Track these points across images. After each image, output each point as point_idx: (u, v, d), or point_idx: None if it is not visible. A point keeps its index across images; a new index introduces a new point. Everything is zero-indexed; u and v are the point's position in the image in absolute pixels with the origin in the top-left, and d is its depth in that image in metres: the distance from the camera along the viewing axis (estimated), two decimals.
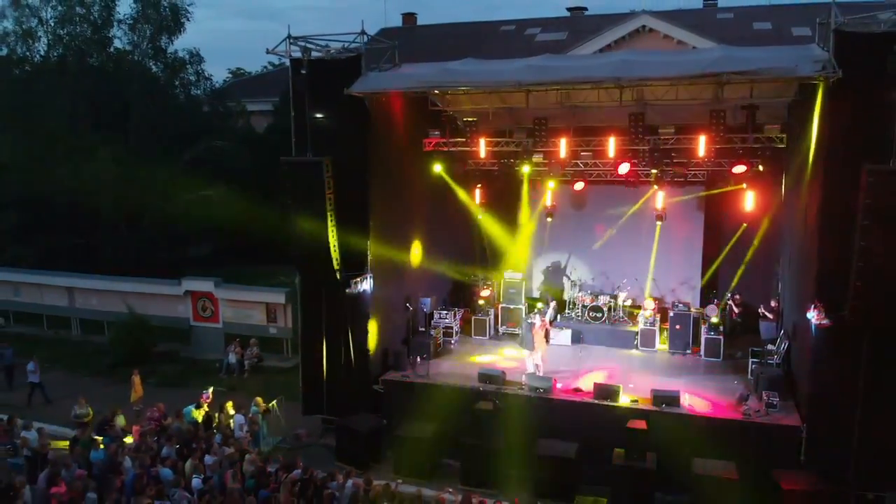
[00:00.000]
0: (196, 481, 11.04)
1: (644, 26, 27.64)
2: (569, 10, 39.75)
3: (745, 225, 15.66)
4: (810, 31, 29.79)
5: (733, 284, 16.29)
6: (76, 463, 11.90)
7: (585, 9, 39.41)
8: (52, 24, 27.91)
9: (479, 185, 17.32)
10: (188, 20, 27.63)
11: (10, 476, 11.68)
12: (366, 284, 13.78)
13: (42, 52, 28.14)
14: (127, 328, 19.24)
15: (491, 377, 13.60)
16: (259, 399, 14.00)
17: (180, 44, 29.01)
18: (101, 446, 12.30)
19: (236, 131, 30.59)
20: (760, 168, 13.26)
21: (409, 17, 41.16)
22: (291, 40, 12.91)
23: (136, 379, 15.48)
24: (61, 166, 25.12)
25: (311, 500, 10.40)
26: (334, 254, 13.22)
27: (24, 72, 26.88)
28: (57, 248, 25.27)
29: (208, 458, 11.62)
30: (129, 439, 12.86)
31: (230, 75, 48.06)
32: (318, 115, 12.93)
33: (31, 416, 14.57)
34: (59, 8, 27.53)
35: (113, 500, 10.66)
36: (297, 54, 12.89)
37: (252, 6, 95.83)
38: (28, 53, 27.87)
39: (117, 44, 28.09)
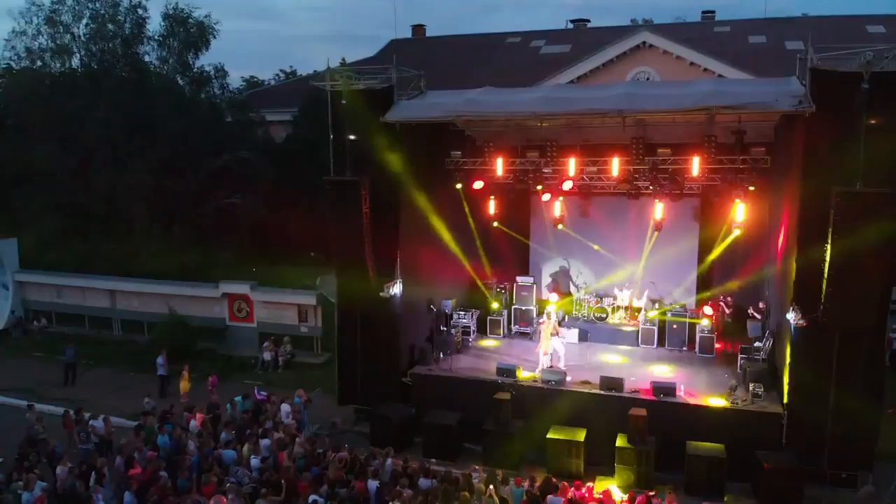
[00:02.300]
0: (255, 461, 12.68)
1: (644, 42, 29.19)
2: (572, 21, 41.37)
3: (735, 233, 17.01)
4: (802, 45, 31.51)
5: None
6: (146, 447, 13.56)
7: (588, 20, 41.06)
8: (84, 40, 29.57)
9: (493, 196, 18.80)
10: (214, 37, 29.29)
11: (90, 459, 13.33)
12: (396, 289, 15.44)
13: (76, 67, 29.74)
14: (168, 328, 20.86)
15: (508, 371, 15.23)
16: (301, 391, 15.65)
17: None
18: (166, 433, 13.95)
19: (257, 141, 32.19)
20: (752, 188, 14.82)
21: (418, 29, 42.75)
22: (331, 72, 14.54)
23: (185, 374, 17.12)
24: (98, 176, 26.85)
25: (357, 476, 12.03)
26: (369, 262, 14.84)
27: (62, 86, 28.40)
28: (93, 253, 26.88)
29: (263, 442, 13.27)
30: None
31: (244, 82, 49.61)
32: (356, 139, 14.54)
33: (93, 408, 16.18)
34: (92, 25, 29.18)
35: (185, 478, 12.30)
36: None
37: (253, 6, 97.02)
38: (62, 68, 29.44)
39: (147, 59, 29.74)
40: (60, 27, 29.01)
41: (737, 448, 13.11)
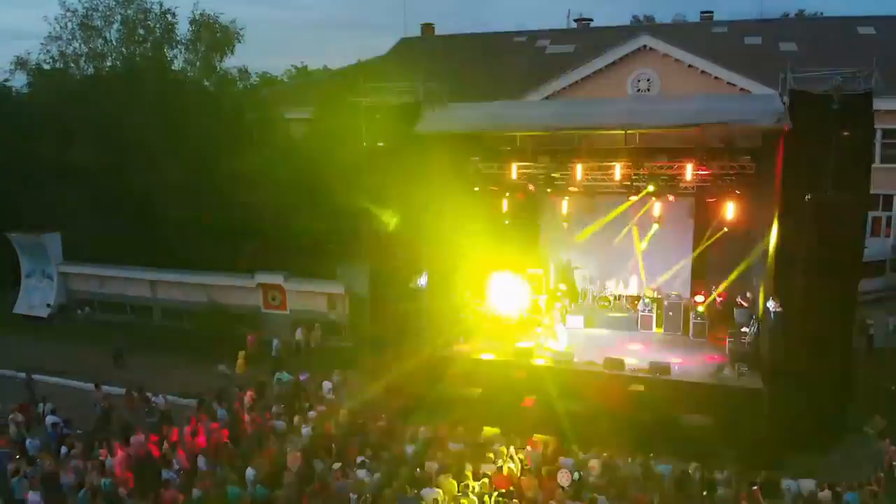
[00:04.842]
0: (305, 430, 14.64)
1: (645, 45, 30.84)
2: (576, 21, 42.94)
3: (725, 229, 18.63)
4: (796, 46, 33.27)
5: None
6: (208, 419, 15.52)
7: (591, 20, 42.63)
8: (116, 44, 31.22)
9: (507, 195, 20.56)
10: (239, 41, 30.93)
11: (158, 429, 15.28)
12: (422, 280, 17.36)
13: (108, 68, 31.32)
14: (208, 315, 22.80)
15: (523, 352, 17.16)
16: (339, 370, 17.60)
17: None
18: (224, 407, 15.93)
19: (278, 139, 33.83)
20: (737, 192, 16.71)
21: (427, 28, 44.29)
22: (367, 88, 16.35)
23: (242, 353, 19.55)
24: (134, 173, 28.60)
25: (396, 440, 14.00)
26: (400, 256, 16.72)
27: (96, 88, 30.02)
28: (128, 245, 28.58)
29: (311, 413, 15.25)
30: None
31: (258, 78, 51.10)
32: (388, 149, 16.34)
33: (146, 388, 18.04)
34: (123, 30, 30.81)
35: (247, 444, 14.27)
36: None
37: None
38: (96, 71, 31.03)
39: (175, 62, 31.39)
40: (93, 32, 30.58)
41: (724, 419, 14.94)
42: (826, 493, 12.06)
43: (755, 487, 11.95)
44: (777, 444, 14.39)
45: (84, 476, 13.30)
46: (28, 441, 15.09)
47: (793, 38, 34.42)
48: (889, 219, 29.67)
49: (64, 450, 14.49)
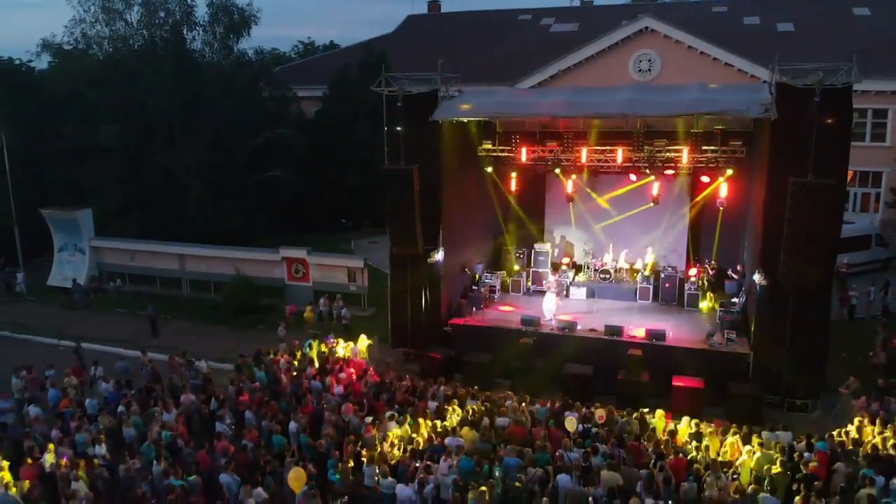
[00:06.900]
0: (338, 388, 16.32)
1: (647, 27, 31.97)
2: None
3: (721, 208, 20.17)
4: (793, 27, 34.30)
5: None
6: (248, 380, 17.18)
7: None
8: (136, 26, 32.29)
9: (514, 175, 21.94)
10: (255, 24, 32.05)
11: (205, 389, 16.95)
12: (439, 255, 18.91)
13: (129, 52, 32.40)
14: (237, 287, 24.40)
15: (530, 321, 18.79)
16: (364, 336, 19.26)
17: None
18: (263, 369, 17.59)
19: (291, 118, 35.13)
20: (730, 172, 18.18)
21: (433, 5, 45.21)
22: (388, 77, 17.71)
23: (309, 308, 22.36)
24: (158, 153, 29.97)
25: (419, 398, 15.70)
26: (418, 234, 18.23)
27: (119, 70, 31.17)
28: (151, 221, 30.07)
29: (342, 375, 16.93)
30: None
31: (266, 55, 51.99)
32: (407, 134, 17.76)
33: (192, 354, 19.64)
34: (143, 12, 31.86)
35: (286, 401, 15.95)
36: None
37: None
38: (119, 54, 32.12)
39: (194, 44, 32.52)
40: (115, 14, 31.62)
41: (713, 380, 16.43)
42: (801, 445, 13.52)
43: (736, 435, 13.61)
44: (761, 403, 15.97)
45: (144, 430, 15.01)
46: (87, 401, 16.76)
47: (790, 19, 35.55)
48: (878, 195, 31.20)
49: (121, 408, 16.13)
